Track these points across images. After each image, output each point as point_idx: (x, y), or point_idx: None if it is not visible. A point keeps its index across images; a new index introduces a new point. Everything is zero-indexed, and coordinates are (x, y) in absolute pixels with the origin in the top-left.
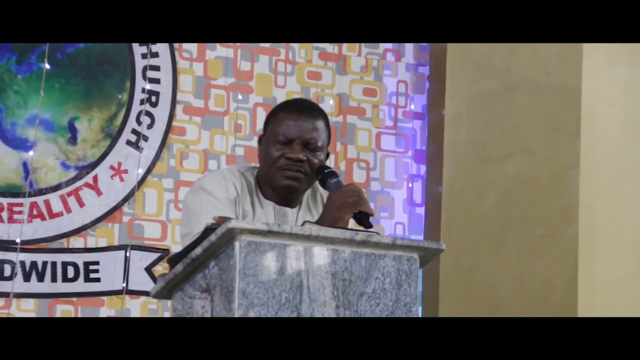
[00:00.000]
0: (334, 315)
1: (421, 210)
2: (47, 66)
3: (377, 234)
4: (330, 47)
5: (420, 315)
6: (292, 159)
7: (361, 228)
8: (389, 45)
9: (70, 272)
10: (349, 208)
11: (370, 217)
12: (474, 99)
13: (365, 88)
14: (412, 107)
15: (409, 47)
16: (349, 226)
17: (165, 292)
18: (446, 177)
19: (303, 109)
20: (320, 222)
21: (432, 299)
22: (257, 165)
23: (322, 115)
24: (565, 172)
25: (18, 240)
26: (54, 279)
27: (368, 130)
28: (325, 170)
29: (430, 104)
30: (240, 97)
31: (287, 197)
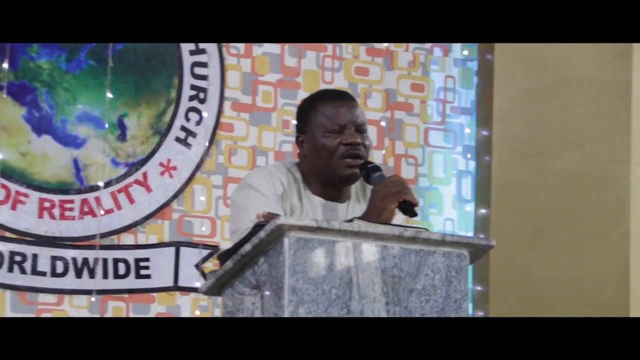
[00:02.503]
0: (383, 312)
1: (470, 207)
2: (111, 64)
3: (426, 230)
4: (377, 43)
5: (470, 312)
6: (351, 143)
7: (410, 224)
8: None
9: (121, 269)
10: (393, 197)
11: (416, 206)
12: (523, 94)
13: (413, 83)
14: (460, 102)
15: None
16: (399, 219)
17: (216, 289)
18: (496, 173)
19: (342, 95)
20: (366, 213)
21: (482, 296)
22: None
23: (355, 99)
24: (617, 167)
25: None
26: (105, 276)
27: (416, 126)
28: (369, 166)
29: (479, 99)
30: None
31: (338, 190)
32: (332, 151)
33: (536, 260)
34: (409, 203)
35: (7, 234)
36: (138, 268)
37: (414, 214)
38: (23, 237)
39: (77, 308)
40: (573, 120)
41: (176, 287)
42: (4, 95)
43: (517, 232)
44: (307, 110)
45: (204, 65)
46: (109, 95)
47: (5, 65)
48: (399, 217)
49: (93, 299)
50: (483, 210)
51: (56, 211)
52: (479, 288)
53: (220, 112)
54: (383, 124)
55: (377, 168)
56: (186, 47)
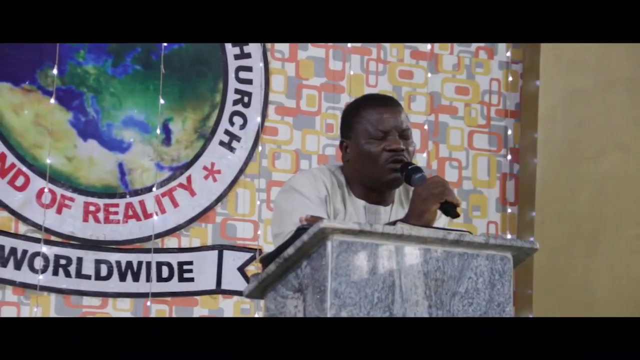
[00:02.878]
0: (426, 315)
1: (514, 209)
2: (163, 70)
3: (470, 233)
4: (421, 46)
5: (513, 316)
6: (395, 150)
7: (453, 227)
8: (482, 44)
9: (165, 272)
10: (435, 198)
11: (457, 207)
12: (568, 97)
13: (458, 86)
14: (505, 105)
15: (502, 45)
16: (441, 222)
17: (258, 292)
18: (540, 175)
19: (385, 101)
20: (408, 215)
21: (525, 299)
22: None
23: (400, 104)
24: None
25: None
26: (148, 279)
27: (460, 129)
28: (410, 167)
29: (523, 102)
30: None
31: (382, 195)
32: (375, 157)
33: (580, 262)
34: (451, 204)
35: (53, 238)
36: (181, 271)
37: (456, 215)
38: (68, 240)
39: (120, 311)
40: (616, 122)
41: (219, 290)
42: (52, 101)
43: (560, 234)
44: (351, 115)
45: (248, 69)
46: (162, 101)
47: (55, 71)
48: (442, 219)
49: (148, 303)
50: (527, 213)
51: (101, 215)
52: (522, 291)
53: (264, 116)
54: (426, 127)
55: (418, 169)
56: (231, 52)
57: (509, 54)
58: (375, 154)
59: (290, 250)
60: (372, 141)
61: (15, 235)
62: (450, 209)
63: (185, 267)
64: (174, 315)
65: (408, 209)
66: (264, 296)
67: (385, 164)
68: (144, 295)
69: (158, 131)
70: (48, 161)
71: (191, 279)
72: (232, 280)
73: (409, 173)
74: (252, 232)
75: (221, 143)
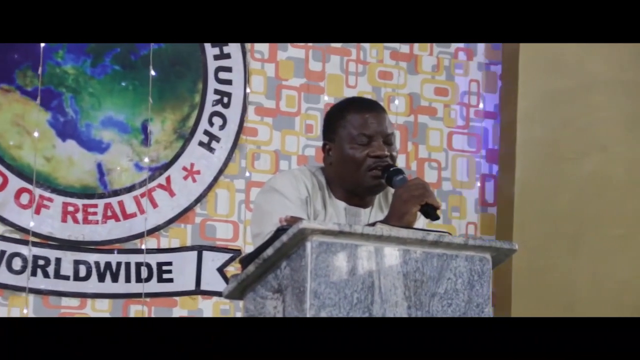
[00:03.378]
0: (405, 316)
1: (493, 210)
2: (153, 72)
3: (449, 234)
4: (401, 47)
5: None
6: (379, 156)
7: (432, 228)
8: (461, 45)
9: (144, 273)
10: (416, 200)
11: (438, 210)
12: (547, 98)
13: (437, 87)
14: (484, 106)
15: (481, 46)
16: (421, 223)
17: (238, 293)
18: (519, 176)
19: (371, 105)
20: (388, 217)
21: (504, 300)
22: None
23: (384, 108)
24: None
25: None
26: (127, 280)
27: (439, 130)
28: (391, 169)
29: (502, 103)
30: (310, 97)
31: (362, 197)
32: (359, 163)
33: (560, 264)
34: (431, 206)
35: (31, 238)
36: (161, 272)
37: (436, 217)
38: (47, 241)
39: (99, 312)
40: (597, 123)
41: (198, 291)
42: (36, 102)
43: (540, 235)
44: (335, 119)
45: (228, 69)
46: (150, 100)
47: (40, 71)
48: (421, 221)
49: (146, 307)
50: (506, 214)
51: (80, 215)
52: (501, 292)
53: (243, 117)
54: (406, 127)
55: (399, 171)
56: (211, 52)
57: (488, 54)
58: (359, 159)
59: (270, 251)
60: (356, 146)
61: None
62: (431, 211)
63: (164, 267)
64: (152, 316)
65: (389, 209)
66: (244, 297)
67: (368, 170)
68: (123, 295)
69: (149, 130)
70: (26, 161)
71: (170, 280)
72: (212, 280)
73: (390, 175)
74: (231, 233)
75: (200, 143)
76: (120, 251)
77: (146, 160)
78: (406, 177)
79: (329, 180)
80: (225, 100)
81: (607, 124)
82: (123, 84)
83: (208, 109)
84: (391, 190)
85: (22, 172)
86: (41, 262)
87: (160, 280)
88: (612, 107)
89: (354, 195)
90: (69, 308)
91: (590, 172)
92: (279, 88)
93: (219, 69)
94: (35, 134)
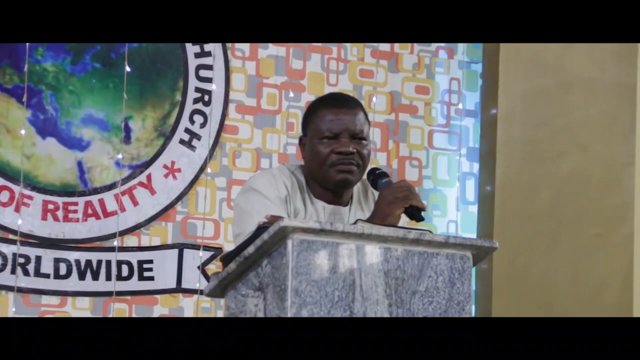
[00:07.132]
0: (386, 314)
1: (474, 209)
2: (128, 69)
3: (430, 232)
4: (382, 45)
5: (473, 314)
6: (342, 152)
7: (413, 226)
8: (442, 43)
9: (125, 271)
10: (400, 203)
11: (422, 211)
12: (527, 97)
13: (418, 86)
14: (465, 104)
15: (462, 45)
16: (401, 222)
17: (219, 291)
18: (499, 175)
19: (342, 102)
20: (371, 218)
21: (485, 298)
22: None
23: (360, 105)
24: (620, 169)
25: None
26: (108, 278)
27: (420, 128)
28: (377, 172)
29: (483, 102)
30: (292, 95)
31: (338, 194)
32: (323, 158)
33: (539, 262)
34: (416, 208)
35: (11, 236)
36: (141, 270)
37: (420, 219)
38: (27, 239)
39: (79, 310)
40: (577, 122)
41: (179, 289)
42: (16, 100)
43: (520, 234)
44: (309, 113)
45: (209, 67)
46: (125, 96)
47: (26, 68)
48: (403, 219)
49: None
50: (486, 212)
51: (60, 213)
52: (481, 290)
53: (224, 115)
54: (387, 125)
55: (384, 174)
56: (191, 50)
57: (469, 53)
58: (323, 154)
59: (251, 249)
60: (323, 141)
61: None
62: (415, 213)
63: (145, 265)
64: (133, 314)
65: (373, 210)
66: (225, 295)
67: (332, 166)
68: (104, 294)
69: (122, 125)
70: (6, 159)
71: (151, 278)
72: (193, 279)
73: (376, 178)
74: (212, 231)
75: (181, 141)
76: (101, 249)
77: (120, 156)
78: (391, 180)
79: (307, 179)
80: (206, 98)
81: (586, 124)
82: (103, 81)
83: (189, 106)
84: (370, 188)
85: (2, 170)
86: (21, 260)
87: (141, 278)
88: (592, 107)
89: (329, 192)
90: (50, 306)
91: (570, 171)
92: (260, 86)
93: (200, 67)
94: (23, 132)
